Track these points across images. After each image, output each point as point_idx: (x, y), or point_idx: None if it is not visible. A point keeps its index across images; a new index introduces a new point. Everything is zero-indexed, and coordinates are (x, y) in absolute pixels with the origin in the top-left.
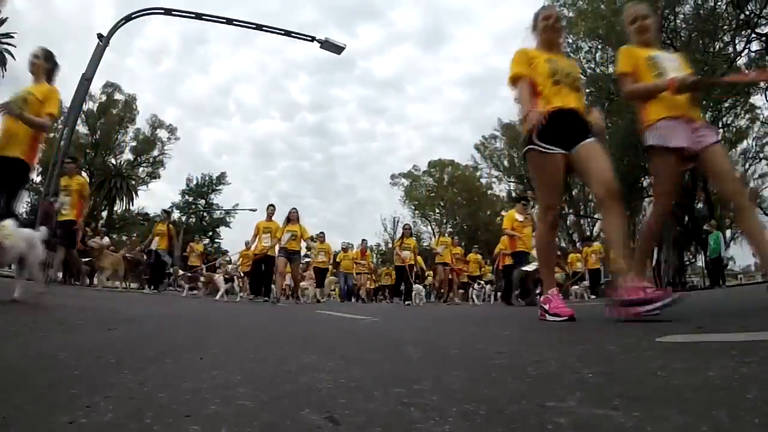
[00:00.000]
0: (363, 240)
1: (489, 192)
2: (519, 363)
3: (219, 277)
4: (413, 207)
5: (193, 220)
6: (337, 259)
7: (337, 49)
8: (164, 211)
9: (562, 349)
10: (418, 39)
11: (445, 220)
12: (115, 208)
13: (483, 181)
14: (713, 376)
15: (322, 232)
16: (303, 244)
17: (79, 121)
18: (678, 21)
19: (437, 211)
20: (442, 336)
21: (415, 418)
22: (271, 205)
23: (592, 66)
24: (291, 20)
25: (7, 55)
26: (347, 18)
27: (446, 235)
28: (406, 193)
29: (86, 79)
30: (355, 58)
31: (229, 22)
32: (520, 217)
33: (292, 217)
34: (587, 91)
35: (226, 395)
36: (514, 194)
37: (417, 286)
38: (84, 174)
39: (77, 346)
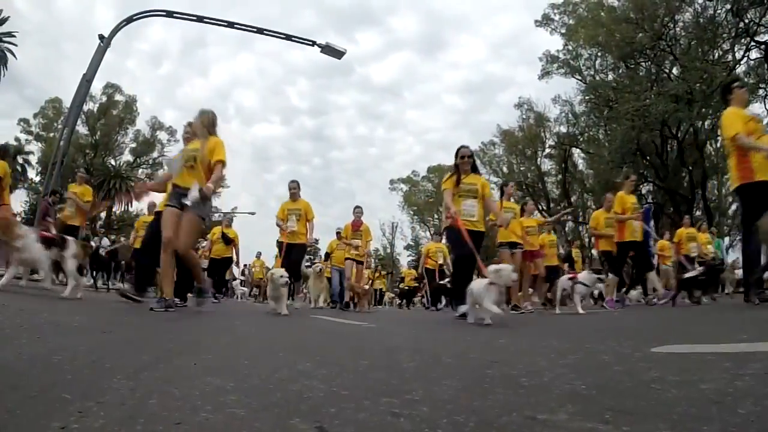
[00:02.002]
0: (357, 208)
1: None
2: (512, 373)
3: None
4: (412, 212)
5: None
6: (328, 250)
7: (338, 53)
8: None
9: (556, 359)
10: (416, 45)
11: (443, 227)
12: (114, 209)
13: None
14: (707, 390)
15: None
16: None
17: (79, 122)
18: (677, 29)
19: (436, 216)
20: (437, 344)
21: (405, 429)
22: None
23: (592, 73)
24: (290, 25)
25: (8, 54)
26: (346, 24)
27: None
28: (405, 199)
29: (87, 80)
30: (354, 64)
31: (231, 25)
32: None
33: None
34: (587, 98)
35: (217, 402)
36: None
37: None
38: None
39: (72, 350)
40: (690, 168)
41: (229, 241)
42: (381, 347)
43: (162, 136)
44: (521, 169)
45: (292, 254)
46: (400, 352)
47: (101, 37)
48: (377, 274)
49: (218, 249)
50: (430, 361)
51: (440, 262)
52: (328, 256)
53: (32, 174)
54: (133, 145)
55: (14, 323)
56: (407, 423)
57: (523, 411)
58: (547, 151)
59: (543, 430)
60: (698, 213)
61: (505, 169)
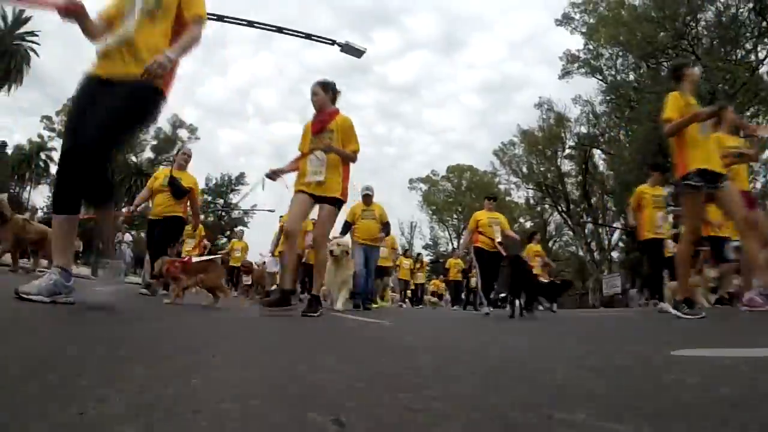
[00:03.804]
0: (366, 189)
1: (507, 198)
2: (529, 372)
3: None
4: (431, 212)
5: (212, 219)
6: (349, 218)
7: (357, 52)
8: None
9: (574, 360)
10: (433, 45)
11: (462, 226)
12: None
13: (501, 187)
14: (726, 393)
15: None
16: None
17: None
18: (700, 28)
19: (455, 216)
20: (455, 343)
21: (421, 424)
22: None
23: (613, 73)
24: (308, 26)
25: (31, 54)
26: (363, 24)
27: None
28: (424, 198)
29: None
30: (371, 63)
31: (251, 24)
32: None
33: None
34: (608, 98)
35: (236, 393)
36: (532, 201)
37: None
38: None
39: (91, 340)
40: None
41: (181, 193)
42: (399, 344)
43: (183, 133)
44: (541, 169)
45: None
46: (419, 350)
47: None
48: (418, 265)
49: (162, 202)
50: (448, 359)
51: (498, 238)
52: (348, 227)
53: (55, 170)
54: (155, 142)
55: (34, 314)
56: (424, 418)
57: (540, 409)
58: (568, 151)
59: (560, 428)
60: None
61: (524, 170)
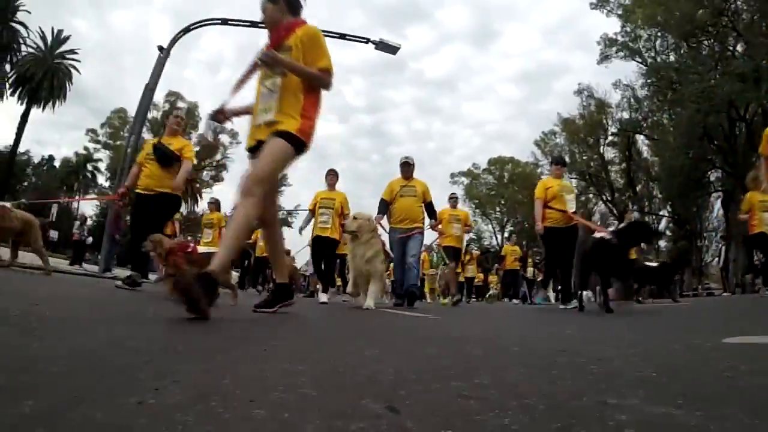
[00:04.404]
0: (405, 158)
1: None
2: (580, 361)
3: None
4: (473, 205)
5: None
6: (385, 196)
7: (392, 49)
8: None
9: (625, 348)
10: (467, 37)
11: (506, 219)
12: (181, 211)
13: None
14: None
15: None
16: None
17: (144, 129)
18: (739, 2)
19: (497, 209)
20: (503, 335)
21: (475, 410)
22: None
23: (653, 55)
24: (340, 26)
25: (72, 71)
26: (395, 20)
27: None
28: (466, 192)
29: (150, 89)
30: (407, 59)
31: None
32: None
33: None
34: (649, 82)
35: (289, 384)
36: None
37: None
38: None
39: (146, 336)
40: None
41: (167, 159)
42: (446, 337)
43: (224, 138)
44: (583, 158)
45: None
46: (466, 342)
47: (160, 48)
48: (467, 257)
49: (150, 173)
50: (496, 350)
51: (571, 209)
52: (385, 207)
53: (102, 180)
54: (197, 148)
55: (90, 314)
56: (476, 404)
57: (593, 396)
58: (610, 138)
59: (614, 413)
60: None
61: (567, 159)
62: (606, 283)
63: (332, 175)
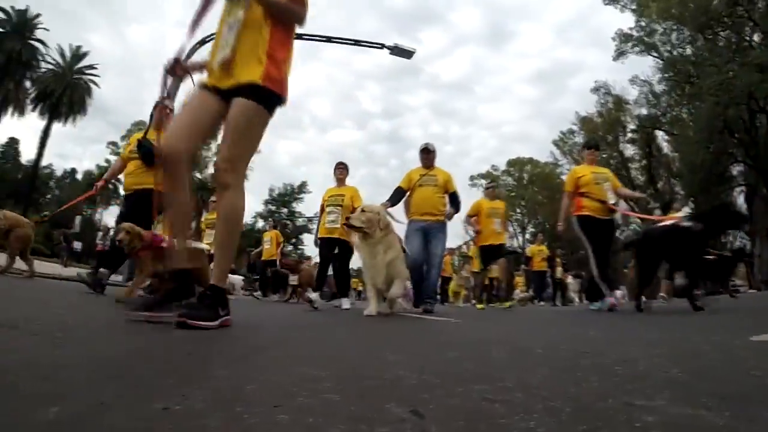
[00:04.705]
0: (426, 144)
1: None
2: (604, 362)
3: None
4: None
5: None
6: (404, 185)
7: (407, 53)
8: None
9: (650, 349)
10: (480, 39)
11: (526, 220)
12: (202, 219)
13: (564, 177)
14: None
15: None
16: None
17: None
18: None
19: (518, 211)
20: (525, 337)
21: (500, 413)
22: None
23: (669, 49)
24: (354, 32)
25: (92, 86)
26: (408, 25)
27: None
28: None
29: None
30: (421, 63)
31: (299, 36)
32: None
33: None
34: (666, 76)
35: (312, 388)
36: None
37: None
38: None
39: (169, 344)
40: None
41: (152, 156)
42: (468, 340)
43: None
44: (603, 156)
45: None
46: (488, 344)
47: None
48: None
49: (131, 171)
50: (519, 353)
51: (610, 200)
52: (400, 196)
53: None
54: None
55: (113, 322)
56: (501, 408)
57: (619, 397)
58: (629, 135)
59: (642, 415)
60: None
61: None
62: (693, 278)
63: (341, 169)
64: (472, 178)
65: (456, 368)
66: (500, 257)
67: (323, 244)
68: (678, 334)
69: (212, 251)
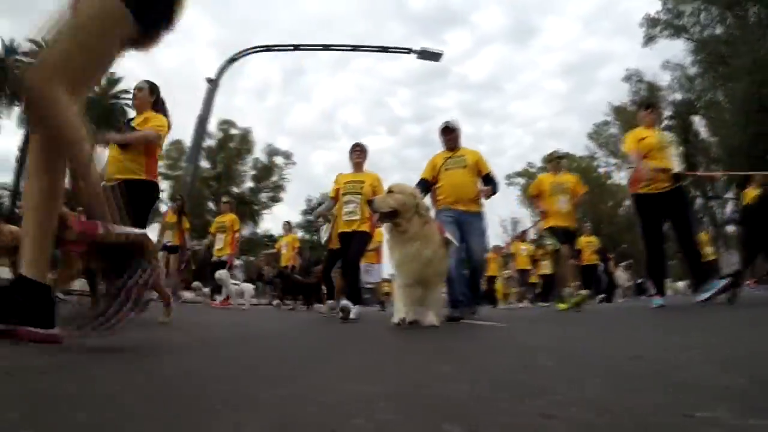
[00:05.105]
0: (446, 123)
1: (609, 182)
2: (659, 369)
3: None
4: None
5: (316, 237)
6: (425, 176)
7: (435, 56)
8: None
9: (706, 355)
10: (505, 36)
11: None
12: (242, 233)
13: (601, 170)
14: None
15: None
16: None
17: (201, 158)
18: None
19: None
20: (572, 342)
21: (558, 430)
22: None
23: (699, 30)
24: (379, 40)
25: (127, 109)
26: (432, 28)
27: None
28: (524, 192)
29: (202, 120)
30: (449, 65)
31: (327, 48)
32: None
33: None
34: (698, 59)
35: (368, 408)
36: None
37: None
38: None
39: (221, 363)
40: None
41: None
42: (516, 347)
43: (278, 160)
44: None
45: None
46: (537, 352)
47: (209, 80)
48: (541, 251)
49: (111, 159)
50: (569, 360)
51: (675, 167)
52: (425, 187)
53: (164, 208)
54: (253, 172)
55: (162, 340)
56: (560, 424)
57: (678, 409)
58: (665, 122)
59: (704, 427)
60: None
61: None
62: None
63: (358, 152)
64: (508, 176)
65: (507, 379)
66: (567, 242)
67: (341, 238)
68: (735, 338)
69: (223, 258)
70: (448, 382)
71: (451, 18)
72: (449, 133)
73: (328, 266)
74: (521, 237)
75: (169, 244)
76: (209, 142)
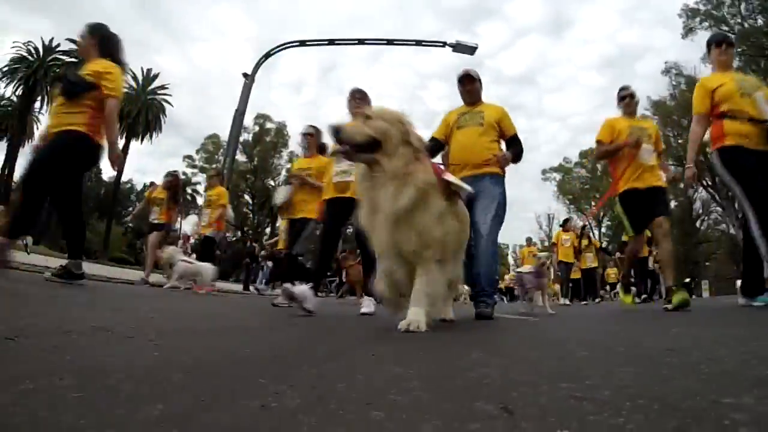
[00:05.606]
0: (464, 72)
1: None
2: (690, 360)
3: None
4: (568, 201)
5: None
6: (437, 135)
7: (470, 49)
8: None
9: (737, 347)
10: (541, 28)
11: (602, 213)
12: (277, 225)
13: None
14: None
15: None
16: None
17: (237, 151)
18: None
19: (593, 203)
20: (605, 334)
21: (589, 411)
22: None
23: (739, 21)
24: (413, 33)
25: (165, 105)
26: (466, 21)
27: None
28: (559, 188)
29: (239, 114)
30: (483, 58)
31: (361, 42)
32: None
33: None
34: (738, 50)
35: (402, 387)
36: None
37: None
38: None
39: (258, 345)
40: None
41: (73, 87)
42: (549, 339)
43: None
44: (679, 142)
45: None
46: (570, 343)
47: (245, 75)
48: (585, 242)
49: (54, 110)
50: (602, 351)
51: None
52: (437, 148)
53: (201, 201)
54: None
55: (202, 325)
56: (589, 405)
57: (707, 396)
58: None
59: (730, 413)
60: None
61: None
62: None
63: (358, 99)
64: (544, 171)
65: (539, 366)
66: (659, 213)
67: (329, 208)
68: (765, 331)
69: (209, 234)
70: (481, 367)
71: (485, 10)
72: (469, 82)
73: (292, 241)
74: (565, 227)
75: (155, 221)
76: (245, 136)
